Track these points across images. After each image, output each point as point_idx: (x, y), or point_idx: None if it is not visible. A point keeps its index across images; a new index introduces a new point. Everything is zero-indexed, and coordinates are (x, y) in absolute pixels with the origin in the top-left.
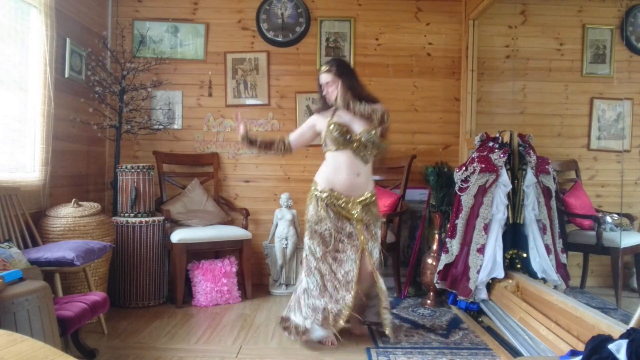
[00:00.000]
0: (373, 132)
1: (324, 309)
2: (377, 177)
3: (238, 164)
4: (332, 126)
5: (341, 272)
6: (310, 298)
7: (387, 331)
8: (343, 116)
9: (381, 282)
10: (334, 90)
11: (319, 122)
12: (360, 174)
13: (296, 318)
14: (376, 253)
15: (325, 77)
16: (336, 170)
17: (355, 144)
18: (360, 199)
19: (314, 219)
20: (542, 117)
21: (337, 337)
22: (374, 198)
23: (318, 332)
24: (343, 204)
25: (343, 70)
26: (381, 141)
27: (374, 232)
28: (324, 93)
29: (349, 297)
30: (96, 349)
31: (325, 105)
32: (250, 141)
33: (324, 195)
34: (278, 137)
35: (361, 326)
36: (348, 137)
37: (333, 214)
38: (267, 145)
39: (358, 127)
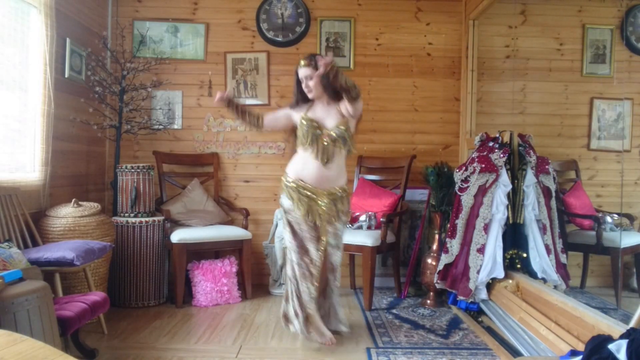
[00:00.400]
0: (344, 127)
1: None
2: (377, 177)
3: (238, 164)
4: (303, 121)
5: (306, 260)
6: (291, 285)
7: (343, 328)
8: (317, 111)
9: (333, 281)
10: (313, 84)
11: (295, 115)
12: (330, 169)
13: (290, 309)
14: (337, 258)
15: (305, 71)
16: (305, 162)
17: (326, 139)
18: (329, 191)
19: (284, 208)
20: (542, 117)
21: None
22: (344, 194)
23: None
24: (310, 194)
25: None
26: (351, 138)
27: (336, 231)
28: (303, 87)
29: (312, 289)
30: (96, 349)
31: (302, 100)
32: (233, 103)
33: (293, 185)
34: (255, 111)
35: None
36: (318, 132)
37: (301, 204)
38: (243, 113)
39: (331, 122)
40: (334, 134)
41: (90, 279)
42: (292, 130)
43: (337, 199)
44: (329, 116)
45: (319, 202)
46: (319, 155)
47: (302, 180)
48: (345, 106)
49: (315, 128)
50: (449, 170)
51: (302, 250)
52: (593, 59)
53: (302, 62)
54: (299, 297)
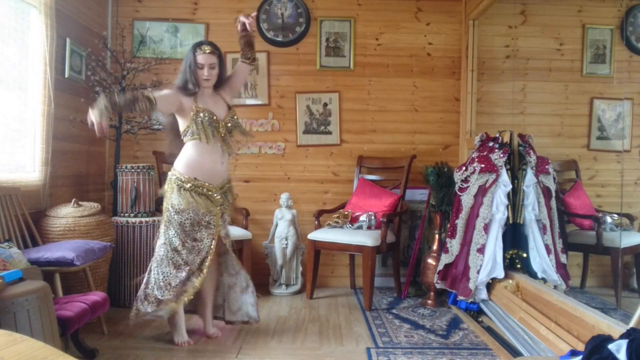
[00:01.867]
0: (236, 116)
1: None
2: (377, 177)
3: (238, 164)
4: (200, 113)
5: (197, 260)
6: (156, 290)
7: (251, 312)
8: (207, 101)
9: (239, 267)
10: (215, 73)
11: (184, 98)
12: (223, 162)
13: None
14: (225, 238)
15: (210, 58)
16: (200, 158)
17: (222, 130)
18: (221, 185)
19: (175, 208)
20: (542, 117)
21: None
22: (231, 184)
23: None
24: (206, 191)
25: (222, 57)
26: (240, 122)
27: (227, 218)
28: (203, 74)
29: (197, 281)
30: (96, 349)
31: (191, 86)
32: (112, 104)
33: (188, 185)
34: (140, 93)
35: (218, 324)
36: (215, 124)
37: (196, 203)
38: (131, 102)
39: (222, 112)
40: (229, 125)
41: (90, 279)
42: (173, 118)
43: (227, 191)
44: (219, 106)
45: (216, 198)
46: (222, 147)
47: (197, 179)
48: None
49: (215, 120)
50: (449, 170)
51: (190, 251)
52: (593, 59)
53: (207, 49)
54: (169, 285)
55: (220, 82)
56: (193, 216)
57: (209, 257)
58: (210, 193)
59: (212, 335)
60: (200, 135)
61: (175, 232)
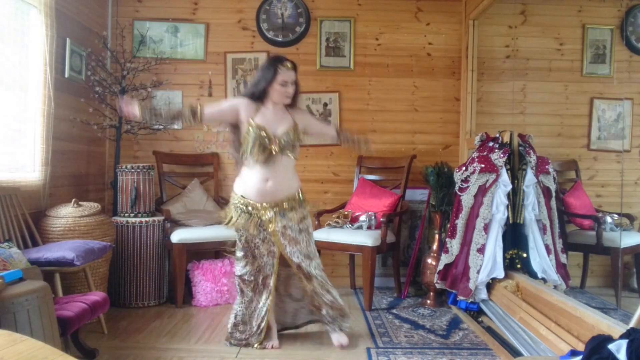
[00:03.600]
0: (292, 133)
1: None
2: (377, 177)
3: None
4: (252, 128)
5: (260, 278)
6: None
7: (330, 328)
8: (268, 115)
9: (314, 287)
10: (292, 90)
11: (244, 110)
12: (269, 179)
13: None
14: (296, 257)
15: (292, 75)
16: (248, 175)
17: (274, 148)
18: (273, 203)
19: (230, 225)
20: (542, 117)
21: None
22: (295, 201)
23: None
24: (251, 209)
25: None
26: (298, 144)
27: (294, 236)
28: (284, 90)
29: (266, 303)
30: (96, 349)
31: (258, 97)
32: (155, 113)
33: (236, 201)
34: (187, 107)
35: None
36: (266, 140)
37: (243, 221)
38: (173, 117)
39: (281, 128)
40: (282, 141)
41: (90, 279)
42: (235, 128)
43: (287, 210)
44: (280, 121)
45: (263, 218)
46: (265, 164)
47: (244, 197)
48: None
49: (264, 137)
50: (449, 170)
51: (252, 267)
52: (593, 59)
53: (290, 65)
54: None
55: (294, 98)
56: (244, 232)
57: (272, 276)
58: (255, 211)
59: (343, 344)
60: (247, 151)
61: (239, 249)
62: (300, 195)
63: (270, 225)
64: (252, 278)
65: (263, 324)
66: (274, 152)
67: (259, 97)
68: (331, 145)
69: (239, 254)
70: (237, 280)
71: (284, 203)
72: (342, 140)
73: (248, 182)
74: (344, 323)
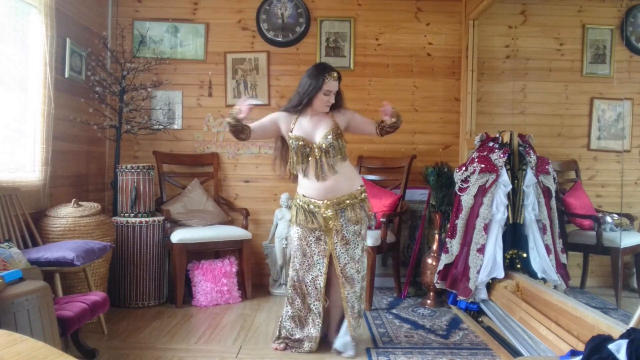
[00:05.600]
0: (331, 135)
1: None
2: (377, 177)
3: (238, 164)
4: (292, 140)
5: (309, 277)
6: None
7: (338, 345)
8: (304, 124)
9: (348, 292)
10: (333, 100)
11: (283, 123)
12: (332, 179)
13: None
14: (343, 259)
15: (337, 85)
16: (305, 176)
17: (317, 153)
18: (335, 201)
19: (292, 224)
20: (542, 117)
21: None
22: (357, 199)
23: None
24: (313, 207)
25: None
26: (342, 143)
27: (347, 237)
28: (326, 99)
29: (318, 304)
30: (96, 349)
31: (299, 106)
32: (239, 123)
33: (297, 200)
34: (248, 125)
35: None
36: (307, 149)
37: (303, 217)
38: (242, 130)
39: (319, 133)
40: (323, 145)
41: (90, 279)
42: (282, 139)
43: (348, 207)
44: (318, 127)
45: (323, 215)
46: (315, 172)
47: (305, 195)
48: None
49: (304, 147)
50: (449, 170)
51: (302, 267)
52: (593, 59)
53: (335, 75)
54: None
55: (336, 103)
56: (301, 230)
57: (322, 277)
58: (317, 210)
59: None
60: (293, 160)
61: (294, 246)
62: (363, 195)
63: (330, 223)
64: (302, 277)
65: (317, 327)
66: (316, 158)
67: (303, 105)
68: None
69: (293, 252)
70: (289, 282)
71: (346, 200)
72: (382, 132)
73: (306, 183)
74: (353, 341)
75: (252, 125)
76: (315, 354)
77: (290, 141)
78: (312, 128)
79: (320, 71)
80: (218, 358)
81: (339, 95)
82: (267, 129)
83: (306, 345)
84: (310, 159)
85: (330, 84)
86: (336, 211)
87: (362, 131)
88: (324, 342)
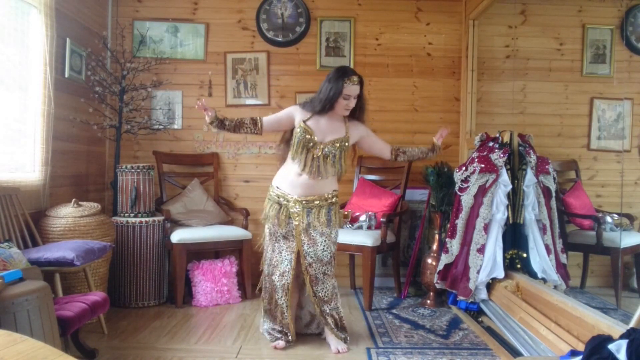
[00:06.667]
0: (339, 145)
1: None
2: (377, 177)
3: (238, 164)
4: (299, 129)
5: (277, 272)
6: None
7: (327, 338)
8: (322, 123)
9: (317, 291)
10: (353, 104)
11: (299, 115)
12: (311, 178)
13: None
14: (309, 257)
15: (357, 90)
16: (289, 169)
17: (318, 152)
18: (305, 199)
19: (264, 214)
20: (542, 117)
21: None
22: (327, 203)
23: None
24: (282, 200)
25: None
26: (344, 159)
27: (314, 236)
28: (345, 104)
29: (285, 300)
30: (96, 349)
31: (319, 108)
32: (220, 122)
33: (271, 192)
34: (248, 117)
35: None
36: (310, 144)
37: (275, 211)
38: (237, 125)
39: (330, 137)
40: (325, 150)
41: (90, 279)
42: (289, 133)
43: (316, 208)
44: (332, 131)
45: (291, 210)
46: (306, 168)
47: (279, 188)
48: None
49: (308, 140)
50: (449, 170)
51: (271, 262)
52: (593, 59)
53: (356, 79)
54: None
55: (355, 110)
56: (271, 226)
57: (289, 273)
58: (285, 203)
59: (341, 351)
60: (292, 149)
61: (266, 241)
62: (334, 199)
63: (296, 219)
64: (271, 272)
65: (285, 320)
66: (315, 156)
67: (325, 107)
68: None
69: (264, 247)
70: (262, 275)
71: (315, 201)
72: (397, 157)
73: (284, 173)
74: (341, 334)
75: (266, 118)
76: (315, 353)
77: (299, 129)
78: (326, 128)
79: (341, 75)
80: (218, 358)
81: (360, 101)
82: (282, 122)
83: (289, 335)
84: (308, 153)
85: (350, 88)
86: (303, 209)
87: (374, 151)
88: (324, 342)
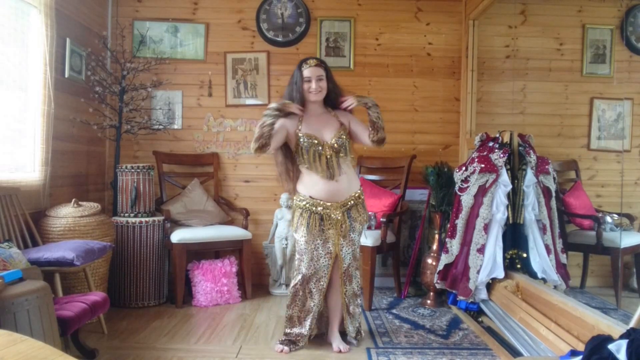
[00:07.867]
0: (344, 135)
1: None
2: (377, 177)
3: (238, 164)
4: (301, 139)
5: (313, 280)
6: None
7: (349, 338)
8: (312, 123)
9: (347, 289)
10: (323, 85)
11: (290, 125)
12: (339, 181)
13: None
14: (348, 259)
15: (317, 71)
16: (313, 180)
17: (328, 152)
18: (341, 202)
19: (293, 227)
20: (542, 117)
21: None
22: (360, 200)
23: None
24: (322, 209)
25: (328, 70)
26: (351, 145)
27: (352, 237)
28: (312, 87)
29: (318, 305)
30: (96, 349)
31: (287, 98)
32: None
33: (303, 203)
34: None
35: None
36: (320, 148)
37: (310, 221)
38: (270, 134)
39: (329, 132)
40: (336, 145)
41: (90, 279)
42: (281, 153)
43: (352, 207)
44: (326, 126)
45: (332, 217)
46: (326, 172)
47: (312, 197)
48: (367, 139)
49: (316, 145)
50: (449, 170)
51: (308, 270)
52: (593, 59)
53: (313, 62)
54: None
55: (333, 99)
56: (306, 234)
57: (326, 277)
58: (327, 211)
59: (342, 350)
60: (302, 160)
61: (298, 251)
62: (363, 196)
63: (336, 224)
64: (307, 280)
65: (306, 331)
66: (328, 156)
67: (299, 99)
68: None
69: (299, 256)
70: (293, 282)
71: (350, 201)
72: (373, 136)
73: (310, 184)
74: (354, 338)
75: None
76: (315, 352)
77: (302, 139)
78: (320, 127)
79: (300, 63)
80: (218, 358)
81: (332, 85)
82: (279, 136)
83: (300, 344)
84: (321, 158)
85: (308, 70)
86: (343, 212)
87: (359, 137)
88: (324, 342)
